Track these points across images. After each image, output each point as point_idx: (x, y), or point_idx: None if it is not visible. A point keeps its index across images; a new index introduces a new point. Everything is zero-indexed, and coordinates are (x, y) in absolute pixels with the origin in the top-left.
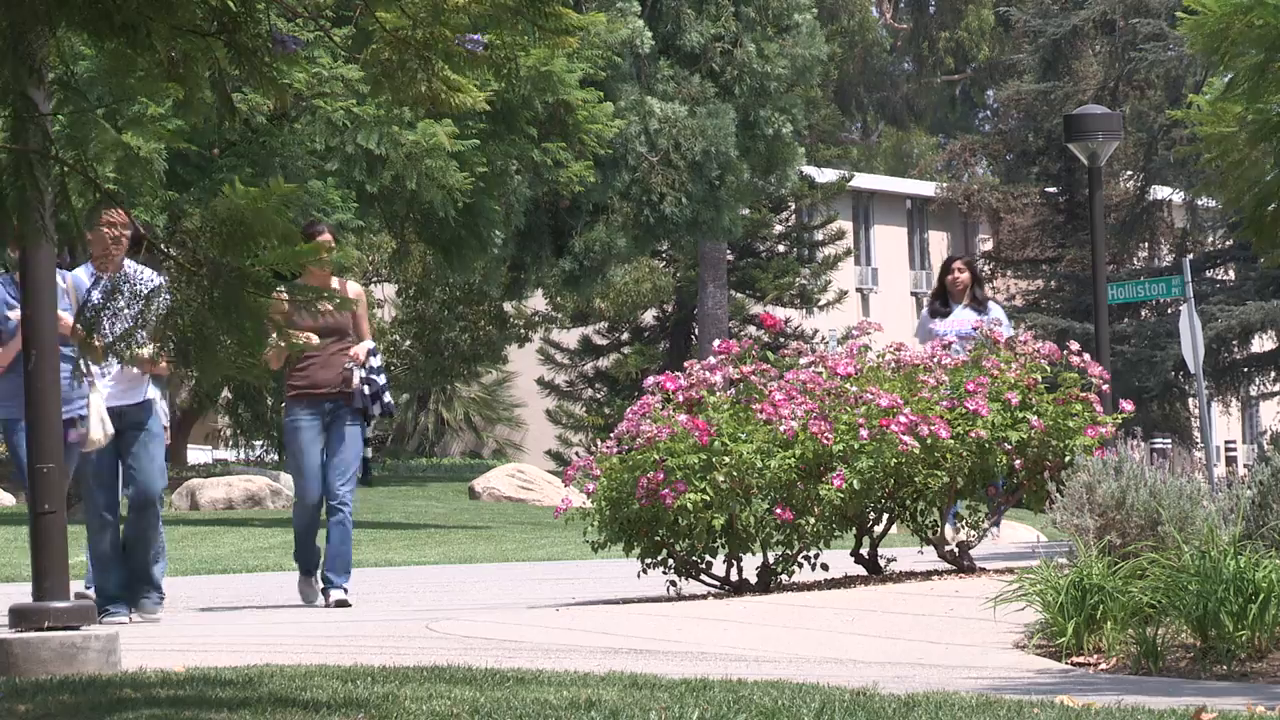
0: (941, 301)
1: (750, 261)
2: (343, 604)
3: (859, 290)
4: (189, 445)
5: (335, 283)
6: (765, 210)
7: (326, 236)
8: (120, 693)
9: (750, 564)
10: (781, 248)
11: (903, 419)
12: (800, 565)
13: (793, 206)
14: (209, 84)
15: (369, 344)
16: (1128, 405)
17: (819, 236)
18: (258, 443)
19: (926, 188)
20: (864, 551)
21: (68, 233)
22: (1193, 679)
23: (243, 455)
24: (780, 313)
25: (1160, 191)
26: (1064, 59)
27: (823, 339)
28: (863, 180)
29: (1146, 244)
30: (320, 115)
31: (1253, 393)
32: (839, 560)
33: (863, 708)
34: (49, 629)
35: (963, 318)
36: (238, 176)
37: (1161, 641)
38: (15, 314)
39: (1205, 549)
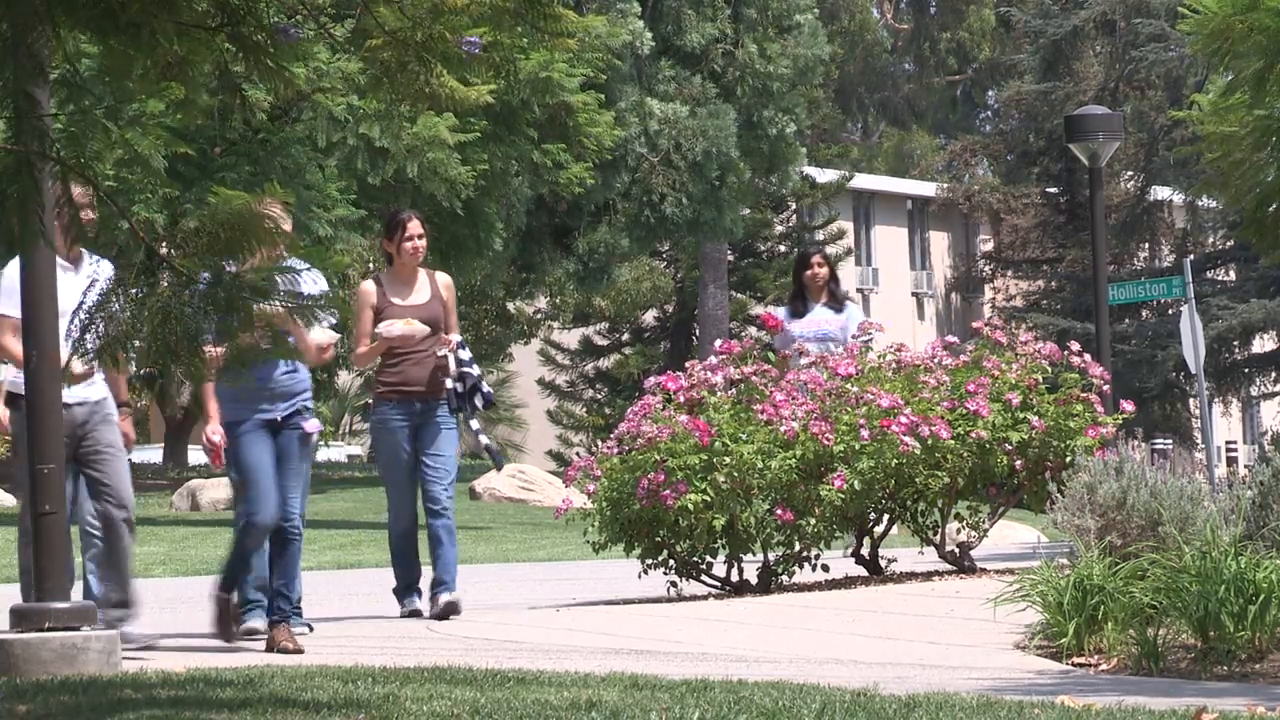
0: (800, 300)
1: (751, 262)
2: (453, 607)
3: (860, 290)
4: (189, 446)
5: (424, 274)
6: (766, 210)
7: (415, 225)
8: (121, 693)
9: (751, 565)
10: (782, 248)
11: (903, 419)
12: (801, 566)
13: (793, 206)
14: (214, 77)
15: (457, 336)
16: (1128, 406)
17: (820, 236)
18: None
19: (927, 188)
20: (864, 552)
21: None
22: (1193, 680)
23: None
24: (781, 313)
25: (1161, 192)
26: (1065, 59)
27: None
28: (863, 180)
29: (1147, 244)
30: (321, 111)
31: (1253, 393)
32: (839, 561)
33: (863, 708)
34: (49, 630)
35: (820, 317)
36: (228, 176)
37: (1162, 642)
38: None
39: (1206, 550)
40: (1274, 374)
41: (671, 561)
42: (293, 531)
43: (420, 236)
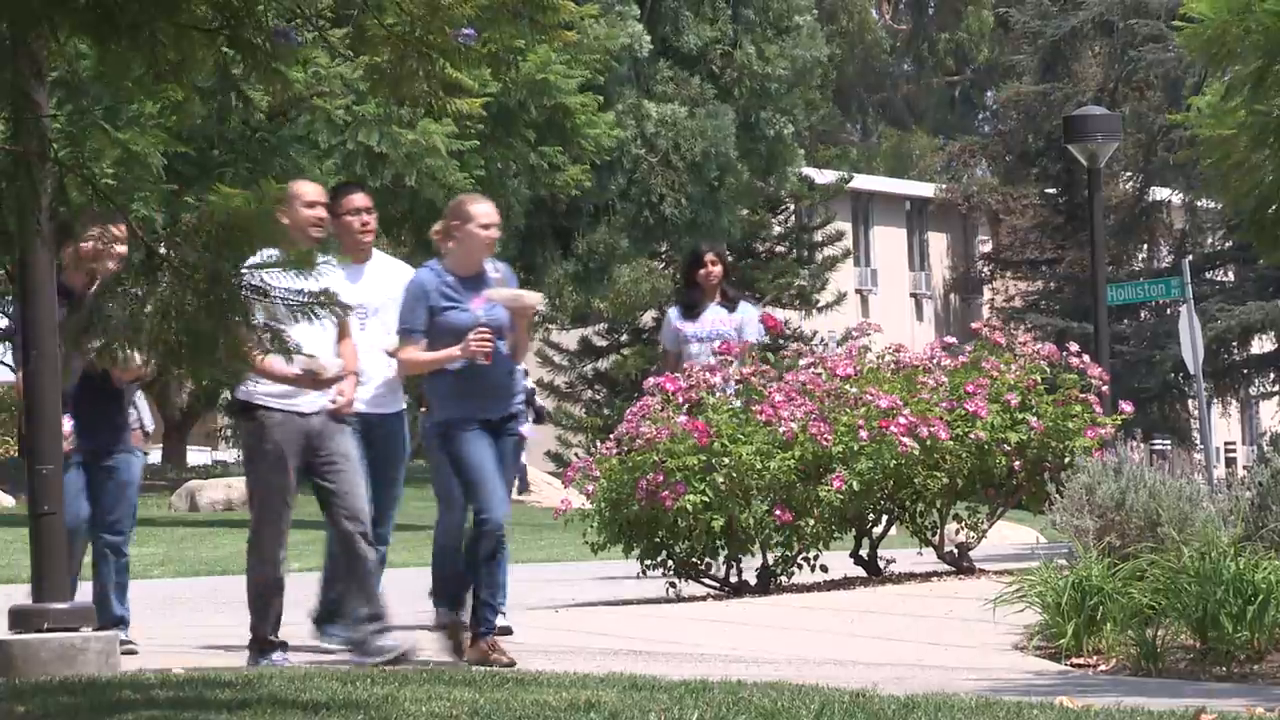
0: (693, 300)
1: (749, 262)
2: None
3: (858, 291)
4: (188, 446)
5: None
6: (764, 211)
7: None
8: (119, 694)
9: (750, 565)
10: (781, 249)
11: (902, 420)
12: (800, 567)
13: (792, 207)
14: (213, 79)
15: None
16: (1127, 406)
17: (818, 237)
18: None
19: (926, 189)
20: (863, 553)
21: (67, 232)
22: (1192, 680)
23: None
24: (779, 314)
25: (1160, 193)
26: (1063, 60)
27: (822, 340)
28: (862, 181)
29: (1146, 245)
30: (320, 114)
31: (1252, 393)
32: (838, 562)
33: (862, 709)
34: (48, 631)
35: (714, 317)
36: (228, 173)
37: (1161, 643)
38: (457, 314)
39: (1205, 550)
40: (1272, 375)
41: (670, 562)
42: (501, 539)
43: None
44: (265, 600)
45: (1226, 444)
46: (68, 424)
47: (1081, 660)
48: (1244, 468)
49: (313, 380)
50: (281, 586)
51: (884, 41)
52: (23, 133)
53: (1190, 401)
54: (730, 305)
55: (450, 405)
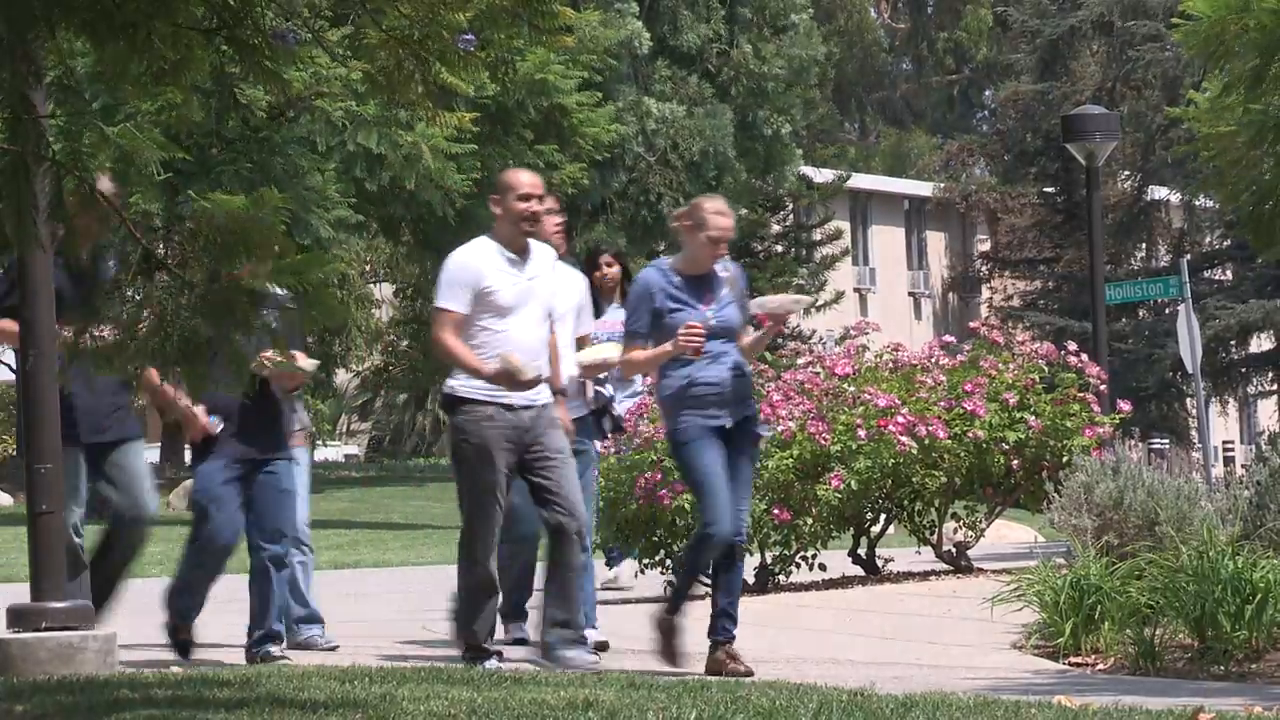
0: (591, 302)
1: (748, 261)
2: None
3: (857, 290)
4: (186, 446)
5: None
6: (762, 210)
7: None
8: (118, 693)
9: (748, 564)
10: (779, 248)
11: (900, 419)
12: (798, 565)
13: (790, 206)
14: (210, 80)
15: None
16: (1125, 405)
17: (816, 236)
18: None
19: (924, 188)
20: (861, 552)
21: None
22: (1190, 679)
23: None
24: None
25: (1158, 191)
26: (1062, 59)
27: (820, 339)
28: (860, 180)
29: (1144, 244)
30: (319, 115)
31: (1250, 392)
32: (836, 561)
33: (860, 708)
34: (46, 629)
35: (615, 319)
36: (227, 170)
37: (1159, 642)
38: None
39: (1203, 549)
40: (1271, 373)
41: (668, 561)
42: (741, 545)
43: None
44: (477, 604)
45: (1225, 443)
46: (216, 426)
47: (1080, 659)
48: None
49: (509, 379)
50: (495, 589)
51: (882, 40)
52: (20, 133)
53: (1189, 400)
54: None
55: (680, 411)
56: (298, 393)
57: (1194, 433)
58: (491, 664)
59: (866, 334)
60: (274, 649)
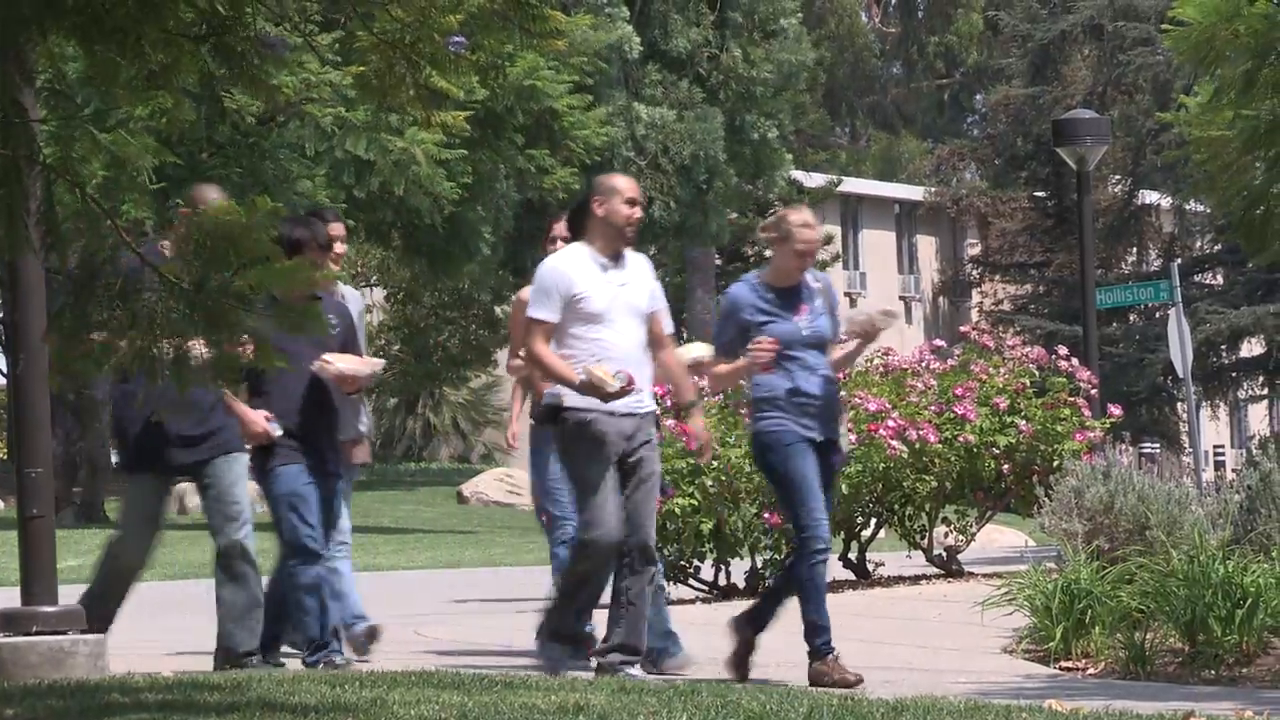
0: None
1: (738, 266)
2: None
3: (847, 294)
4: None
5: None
6: (753, 215)
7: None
8: (108, 697)
9: (739, 568)
10: (769, 252)
11: (891, 423)
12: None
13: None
14: (198, 87)
15: None
16: (1116, 410)
17: None
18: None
19: (915, 192)
20: (852, 556)
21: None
22: (1181, 684)
23: None
24: None
25: (1149, 196)
26: (1052, 64)
27: None
28: (851, 184)
29: (1135, 248)
30: (309, 120)
31: (1241, 397)
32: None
33: (851, 712)
34: (37, 634)
35: None
36: (217, 174)
37: (1150, 646)
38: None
39: (1193, 554)
40: (1261, 378)
41: (661, 564)
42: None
43: (568, 240)
44: (586, 603)
45: (1215, 447)
46: (276, 430)
47: (1070, 663)
48: (1233, 471)
49: (596, 391)
50: (600, 594)
51: (873, 45)
52: (10, 136)
53: (1179, 405)
54: None
55: (777, 413)
56: (358, 396)
57: (1185, 437)
58: (635, 672)
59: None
60: (337, 657)
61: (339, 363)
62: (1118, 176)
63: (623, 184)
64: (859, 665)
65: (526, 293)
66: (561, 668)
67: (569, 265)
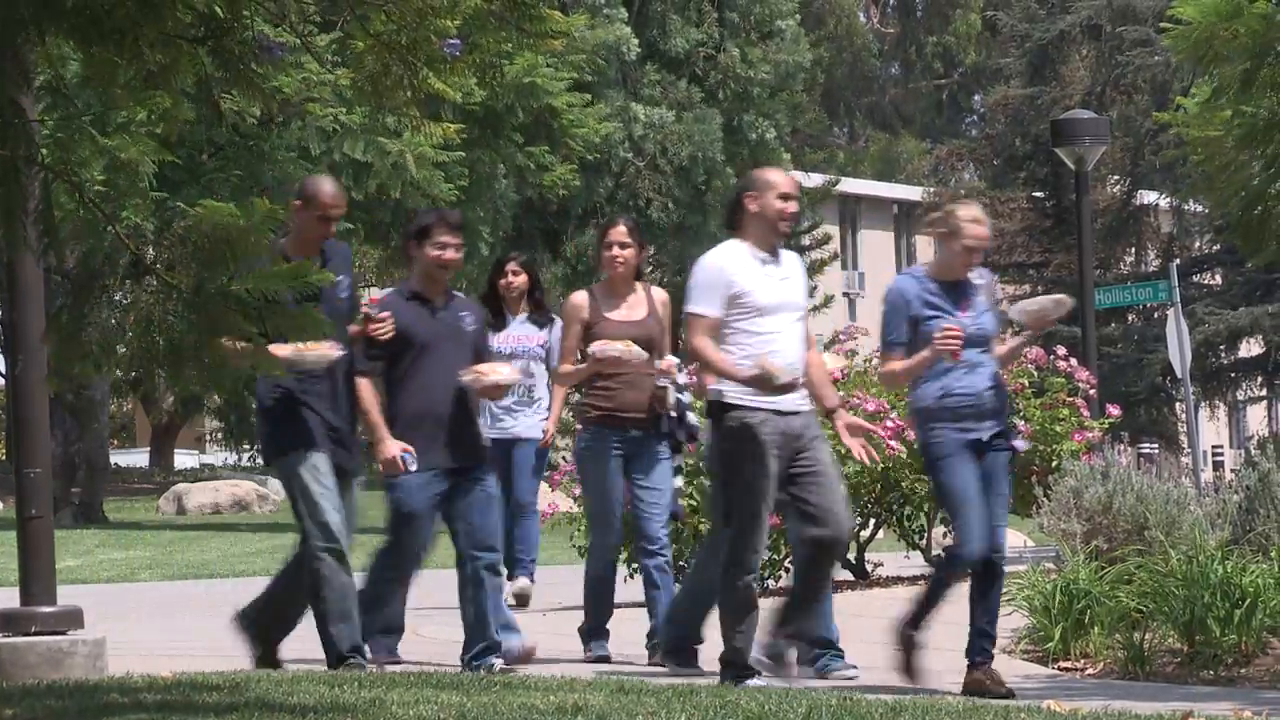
0: (494, 311)
1: None
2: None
3: (846, 295)
4: (176, 450)
5: (641, 289)
6: None
7: (620, 231)
8: (107, 698)
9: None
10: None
11: (889, 424)
12: (787, 570)
13: None
14: (195, 89)
15: (674, 358)
16: (1114, 410)
17: (806, 241)
18: (246, 448)
19: (914, 192)
20: (851, 556)
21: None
22: (1180, 684)
23: (231, 460)
24: None
25: (1147, 196)
26: (1051, 64)
27: None
28: (850, 185)
29: (1133, 249)
30: (309, 122)
31: (1240, 397)
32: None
33: (849, 712)
34: (36, 634)
35: (519, 333)
36: (217, 178)
37: (1148, 646)
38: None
39: (1192, 554)
40: (1260, 378)
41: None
42: (1000, 563)
43: (625, 245)
44: (742, 616)
45: (1214, 447)
46: (410, 464)
47: (1069, 664)
48: (1231, 471)
49: (765, 384)
50: (757, 603)
51: (871, 45)
52: (9, 137)
53: (1178, 405)
54: (541, 319)
55: (935, 424)
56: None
57: (1183, 437)
58: (755, 682)
59: (855, 338)
60: (496, 661)
61: (492, 375)
62: (1116, 177)
63: (777, 178)
64: (858, 665)
65: (577, 296)
66: (785, 670)
67: (730, 261)
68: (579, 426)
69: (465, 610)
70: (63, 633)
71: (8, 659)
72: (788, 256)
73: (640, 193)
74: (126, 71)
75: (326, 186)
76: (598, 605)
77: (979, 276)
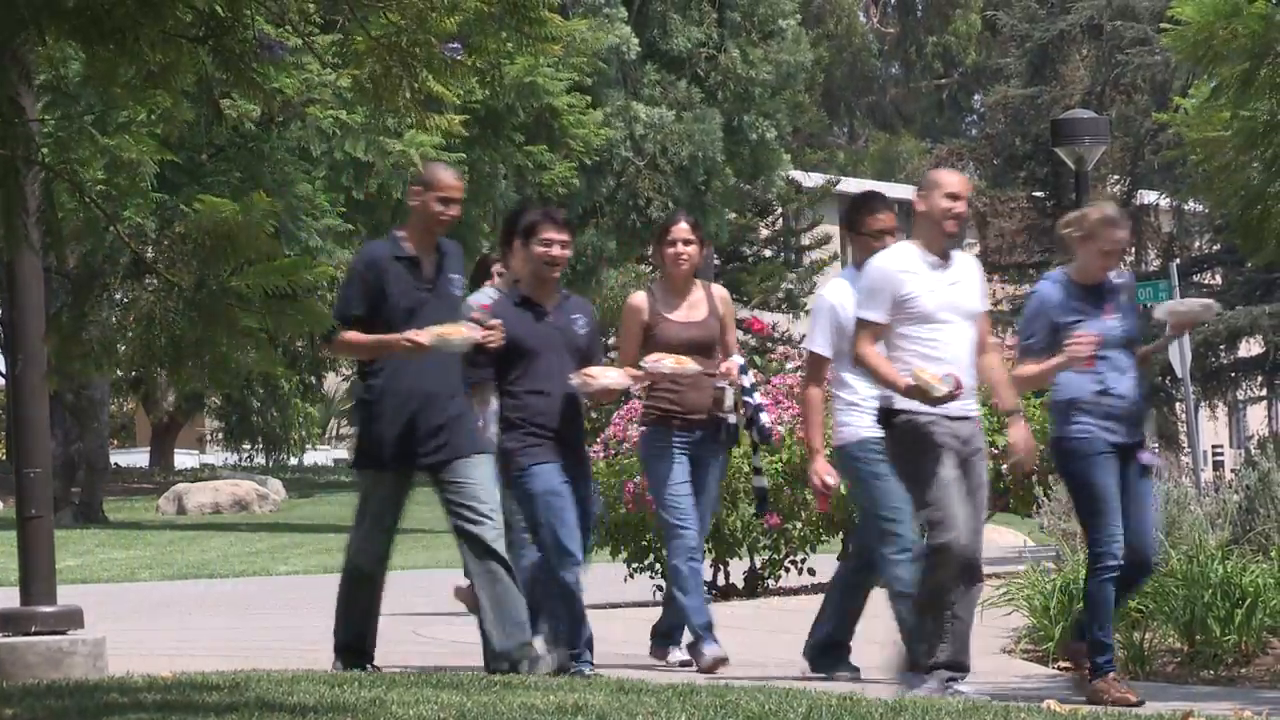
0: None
1: (737, 266)
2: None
3: None
4: (176, 450)
5: (700, 286)
6: (751, 215)
7: (683, 228)
8: (107, 697)
9: (737, 569)
10: (768, 252)
11: None
12: (787, 570)
13: (779, 210)
14: (196, 89)
15: (739, 359)
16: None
17: (805, 241)
18: (246, 447)
19: (914, 192)
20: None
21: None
22: (1180, 683)
23: (231, 460)
24: (767, 317)
25: (1147, 196)
26: (1051, 63)
27: None
28: (850, 184)
29: (1133, 248)
30: (310, 122)
31: (1240, 397)
32: (826, 565)
33: (849, 712)
34: (36, 634)
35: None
36: (217, 181)
37: (1149, 646)
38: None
39: (1192, 554)
40: (1260, 378)
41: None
42: (1147, 568)
43: (689, 242)
44: (939, 615)
45: (1214, 447)
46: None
47: (1069, 663)
48: (1231, 471)
49: (922, 396)
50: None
51: (871, 45)
52: (9, 137)
53: (1178, 405)
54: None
55: (1081, 417)
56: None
57: (1183, 437)
58: (963, 688)
59: None
60: (586, 668)
61: (601, 378)
62: (1116, 176)
63: (945, 178)
64: (858, 665)
65: (636, 298)
66: (944, 691)
67: (898, 265)
68: (642, 428)
69: (541, 608)
70: (63, 633)
71: (8, 659)
72: (960, 259)
73: (640, 192)
74: (127, 71)
75: (445, 170)
76: (698, 606)
77: (1118, 276)
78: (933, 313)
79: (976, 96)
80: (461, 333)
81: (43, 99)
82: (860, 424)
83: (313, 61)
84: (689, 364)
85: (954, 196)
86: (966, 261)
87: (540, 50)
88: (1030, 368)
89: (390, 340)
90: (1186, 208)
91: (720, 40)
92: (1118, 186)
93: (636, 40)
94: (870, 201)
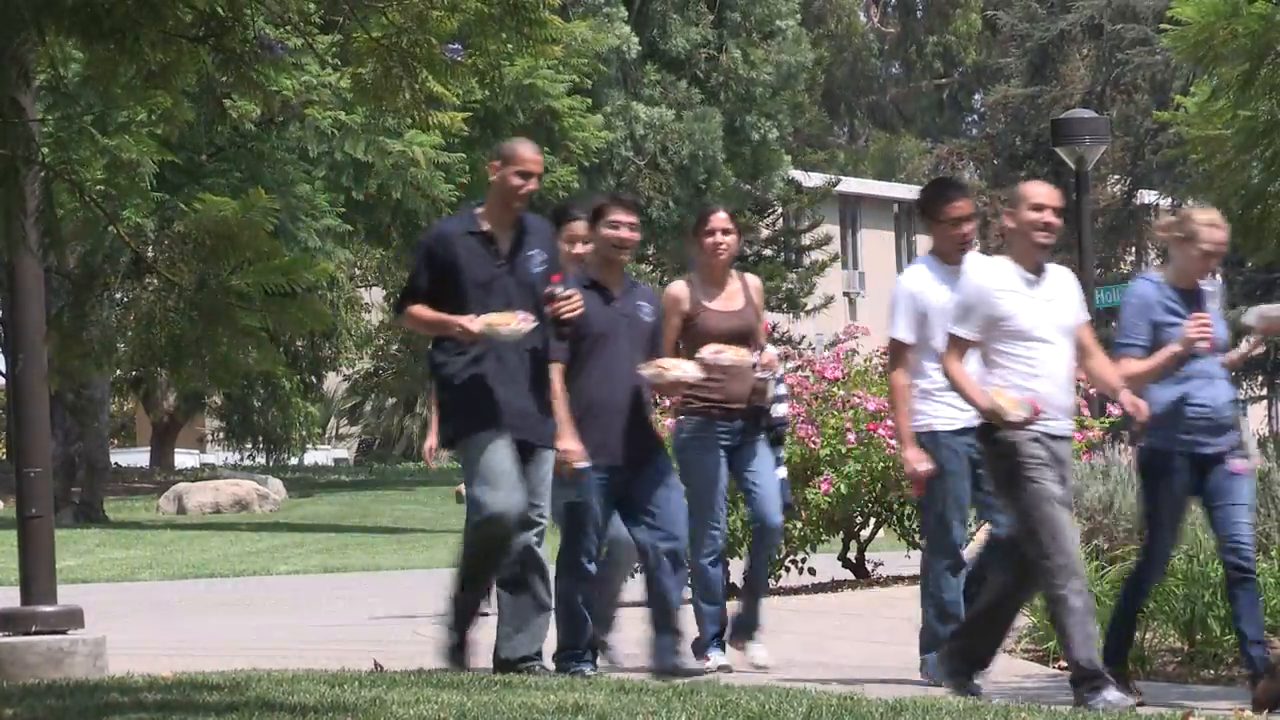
0: None
1: (737, 266)
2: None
3: (846, 295)
4: (176, 449)
5: (735, 275)
6: (751, 214)
7: (721, 218)
8: (107, 697)
9: (737, 568)
10: (768, 252)
11: (890, 423)
12: (787, 569)
13: (779, 210)
14: (197, 88)
15: (773, 349)
16: (1115, 409)
17: (806, 241)
18: (246, 447)
19: (914, 192)
20: (851, 556)
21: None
22: (1180, 683)
23: (231, 459)
24: (767, 317)
25: (1147, 195)
26: (1051, 63)
27: (809, 343)
28: (850, 184)
29: (1134, 248)
30: (309, 123)
31: (1240, 397)
32: (826, 564)
33: (850, 712)
34: (36, 633)
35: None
36: (217, 182)
37: (1149, 646)
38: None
39: (1192, 554)
40: (1260, 378)
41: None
42: (1252, 569)
43: (728, 231)
44: (1085, 620)
45: None
46: (584, 463)
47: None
48: None
49: (997, 418)
50: (1091, 605)
51: (872, 44)
52: (9, 137)
53: None
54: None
55: (1161, 430)
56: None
57: None
58: (1113, 695)
59: (855, 338)
60: (587, 668)
61: (674, 370)
62: (1116, 176)
63: (1031, 190)
64: (858, 665)
65: (676, 288)
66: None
67: (995, 283)
68: (680, 417)
69: (650, 600)
70: (63, 632)
71: (8, 658)
72: (1054, 272)
73: (641, 192)
74: (127, 71)
75: (524, 144)
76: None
77: (1209, 284)
78: (1029, 330)
79: (977, 96)
80: (510, 323)
81: (43, 99)
82: (934, 414)
83: (313, 62)
84: (747, 355)
85: (1040, 207)
86: (1061, 275)
87: (540, 52)
88: (1138, 365)
89: (449, 322)
90: (1187, 207)
91: (720, 40)
92: (1118, 186)
93: (637, 40)
94: (946, 190)
